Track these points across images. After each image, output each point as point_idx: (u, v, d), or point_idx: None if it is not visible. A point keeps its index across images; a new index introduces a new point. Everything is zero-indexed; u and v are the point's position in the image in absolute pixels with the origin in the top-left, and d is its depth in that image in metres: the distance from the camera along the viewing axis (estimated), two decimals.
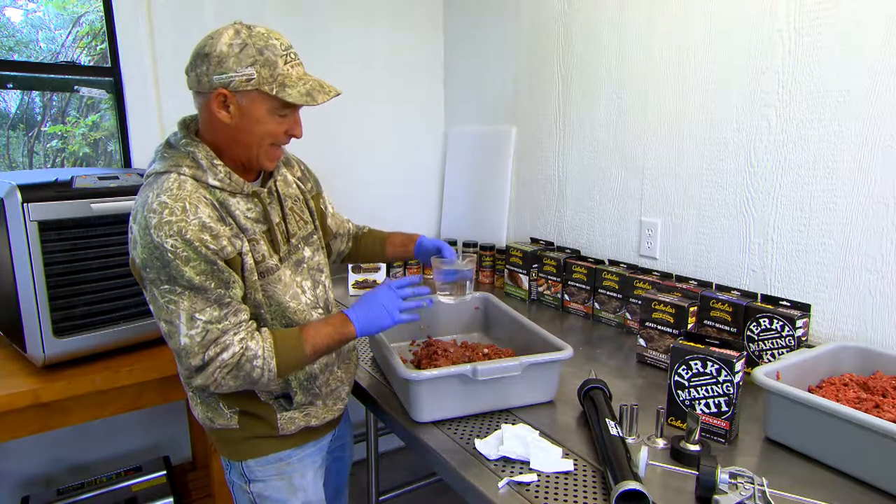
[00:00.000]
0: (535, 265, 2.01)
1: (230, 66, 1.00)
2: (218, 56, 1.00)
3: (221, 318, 1.02)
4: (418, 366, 1.32)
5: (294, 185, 1.24)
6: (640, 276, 1.69)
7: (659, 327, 1.49)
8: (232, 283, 1.03)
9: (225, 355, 1.01)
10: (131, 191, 1.53)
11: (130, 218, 1.03)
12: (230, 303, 1.03)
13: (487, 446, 1.08)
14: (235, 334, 1.02)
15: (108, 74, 1.97)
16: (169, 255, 0.97)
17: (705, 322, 1.49)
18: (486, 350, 1.38)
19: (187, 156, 1.06)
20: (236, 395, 1.15)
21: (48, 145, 2.09)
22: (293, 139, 1.12)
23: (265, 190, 1.12)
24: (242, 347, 1.02)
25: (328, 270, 1.28)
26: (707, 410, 1.10)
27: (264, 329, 1.08)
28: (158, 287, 0.99)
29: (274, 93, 1.02)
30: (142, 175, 1.58)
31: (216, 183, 1.05)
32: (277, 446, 1.19)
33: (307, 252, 1.21)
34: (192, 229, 0.98)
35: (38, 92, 2.03)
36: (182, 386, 1.61)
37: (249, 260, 1.07)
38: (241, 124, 1.04)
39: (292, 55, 1.06)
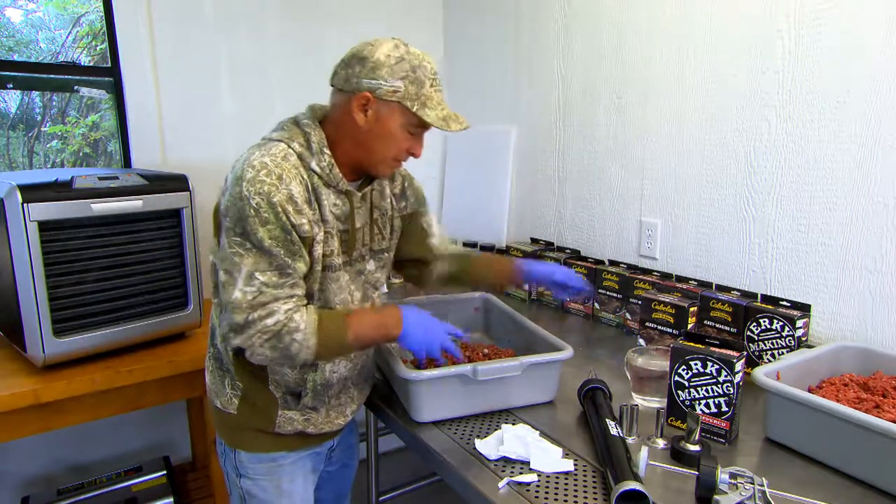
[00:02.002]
0: None
1: (383, 74, 1.05)
2: (374, 62, 1.05)
3: (278, 284, 1.03)
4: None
5: (388, 199, 1.25)
6: (640, 277, 1.69)
7: (659, 327, 1.50)
8: (298, 257, 1.05)
9: (269, 321, 1.01)
10: (131, 191, 1.53)
11: (230, 169, 1.08)
12: (291, 274, 1.05)
13: (487, 446, 1.08)
14: (284, 303, 1.03)
15: (108, 74, 1.97)
16: (250, 210, 1.00)
17: (705, 322, 1.49)
18: (486, 350, 1.38)
19: (303, 134, 1.10)
20: (246, 376, 1.15)
21: (48, 145, 2.09)
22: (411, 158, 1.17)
23: (359, 194, 1.15)
24: (287, 318, 1.02)
25: (382, 289, 1.29)
26: (707, 410, 1.10)
27: (311, 306, 1.08)
28: (230, 237, 1.02)
29: (414, 110, 1.06)
30: (141, 175, 1.59)
31: (317, 169, 1.08)
32: (270, 445, 1.19)
33: (370, 265, 1.22)
34: (279, 196, 1.01)
35: (38, 92, 2.03)
36: (181, 388, 1.63)
37: (319, 250, 1.09)
38: (374, 130, 1.08)
39: (437, 81, 1.10)
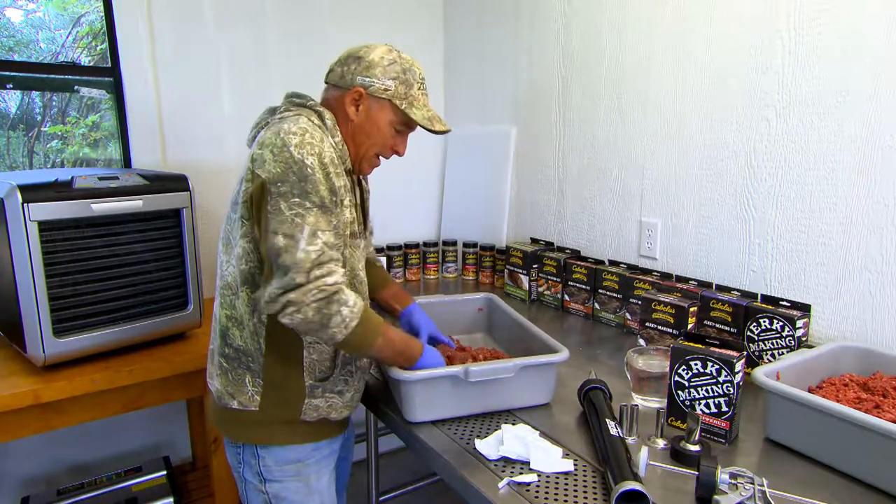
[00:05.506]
0: (536, 265, 2.01)
1: (376, 73, 1.15)
2: (369, 62, 1.15)
3: (334, 246, 1.06)
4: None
5: (368, 190, 1.34)
6: (640, 277, 1.69)
7: (659, 327, 1.50)
8: (340, 219, 1.10)
9: (328, 279, 1.02)
10: (131, 191, 1.53)
11: (255, 148, 1.07)
12: (340, 237, 1.09)
13: (487, 446, 1.08)
14: (340, 268, 1.06)
15: (108, 74, 1.97)
16: (308, 170, 1.03)
17: (705, 322, 1.49)
18: (481, 356, 1.34)
19: (315, 114, 1.15)
20: (278, 366, 1.14)
21: (48, 145, 2.09)
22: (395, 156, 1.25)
23: (354, 176, 1.23)
24: (342, 284, 1.04)
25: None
26: (707, 410, 1.10)
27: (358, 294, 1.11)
28: (288, 200, 1.02)
29: (402, 108, 1.16)
30: (141, 175, 1.58)
31: (332, 144, 1.13)
32: (294, 437, 1.18)
33: (362, 244, 1.26)
34: (327, 156, 1.07)
35: (38, 92, 2.03)
36: (181, 388, 1.63)
37: (348, 214, 1.14)
38: (363, 125, 1.17)
39: (425, 86, 1.21)
